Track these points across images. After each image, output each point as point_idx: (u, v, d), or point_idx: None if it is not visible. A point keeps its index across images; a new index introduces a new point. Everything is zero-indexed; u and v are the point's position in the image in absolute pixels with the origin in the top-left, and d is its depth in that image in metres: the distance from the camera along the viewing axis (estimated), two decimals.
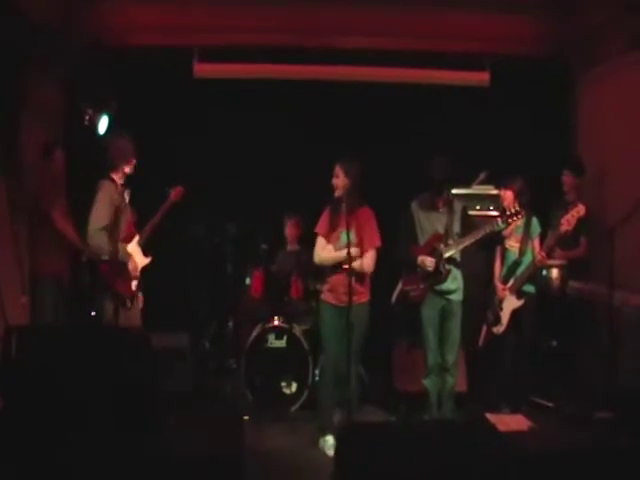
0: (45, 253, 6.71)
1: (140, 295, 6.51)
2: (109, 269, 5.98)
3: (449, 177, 6.36)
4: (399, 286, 6.66)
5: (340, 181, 6.14)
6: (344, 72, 8.41)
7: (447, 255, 6.29)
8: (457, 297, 6.42)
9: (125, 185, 6.36)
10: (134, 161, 6.32)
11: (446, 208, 6.42)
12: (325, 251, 6.28)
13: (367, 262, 6.21)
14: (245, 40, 8.21)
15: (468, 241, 6.27)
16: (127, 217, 6.32)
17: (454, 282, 6.39)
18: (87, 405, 3.78)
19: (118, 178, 6.25)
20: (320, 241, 6.33)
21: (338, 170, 6.16)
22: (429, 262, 6.29)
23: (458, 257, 6.39)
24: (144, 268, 6.46)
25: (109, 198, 6.06)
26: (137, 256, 6.37)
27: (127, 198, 6.38)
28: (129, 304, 6.18)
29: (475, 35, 8.25)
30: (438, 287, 6.35)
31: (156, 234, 6.63)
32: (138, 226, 6.55)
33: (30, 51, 6.90)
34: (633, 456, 3.74)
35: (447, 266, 6.30)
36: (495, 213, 7.34)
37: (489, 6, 8.10)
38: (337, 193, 6.15)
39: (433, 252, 6.32)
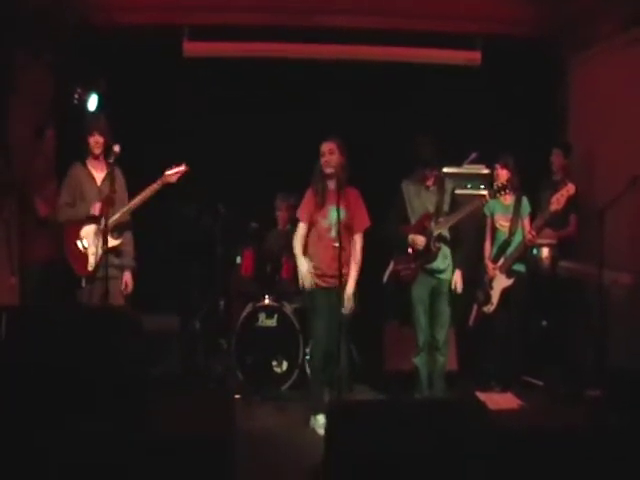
0: (33, 238, 6.70)
1: (127, 277, 6.43)
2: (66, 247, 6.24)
3: (434, 155, 6.35)
4: (390, 266, 6.66)
5: (336, 158, 6.10)
6: (334, 50, 8.36)
7: (437, 233, 6.28)
8: (447, 276, 6.41)
9: (109, 164, 6.25)
10: (91, 138, 6.26)
11: (436, 186, 6.40)
12: (300, 247, 6.28)
13: (358, 249, 6.24)
14: (235, 19, 8.16)
15: (458, 217, 6.26)
16: (100, 197, 6.24)
17: (444, 261, 6.39)
18: (76, 386, 3.78)
19: (88, 159, 6.32)
20: (301, 227, 6.32)
21: (334, 147, 6.12)
22: (420, 241, 6.29)
23: (448, 235, 6.38)
24: (113, 250, 6.26)
25: (69, 178, 6.29)
26: (101, 237, 6.18)
27: (100, 178, 6.32)
28: (83, 283, 6.19)
29: (466, 14, 8.20)
30: (429, 266, 6.36)
31: (143, 213, 6.52)
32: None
33: (18, 31, 6.85)
34: (622, 434, 3.76)
35: (437, 244, 6.30)
36: (485, 192, 7.38)
37: None
38: (329, 170, 6.09)
39: (423, 231, 6.31)
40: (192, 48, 8.22)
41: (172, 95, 8.15)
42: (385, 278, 6.73)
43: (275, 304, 7.33)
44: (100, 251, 6.18)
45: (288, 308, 7.32)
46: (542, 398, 6.46)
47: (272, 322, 7.29)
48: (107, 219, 6.10)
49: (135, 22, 8.00)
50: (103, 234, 6.07)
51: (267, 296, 7.39)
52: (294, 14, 8.13)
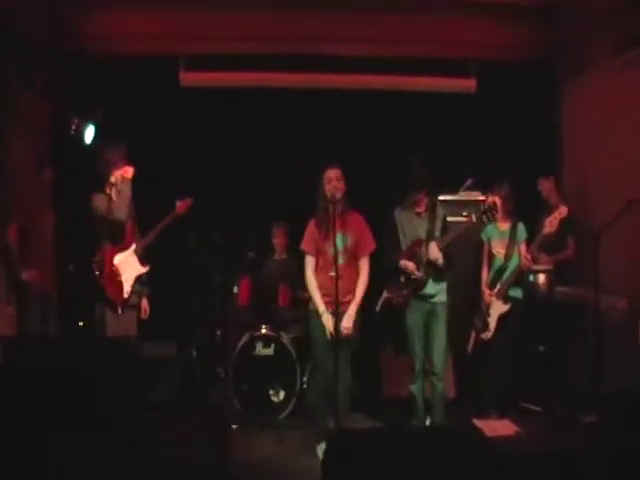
0: (30, 267, 6.70)
1: (144, 304, 6.59)
2: (101, 274, 6.23)
3: (425, 178, 6.32)
4: (383, 295, 6.67)
5: (342, 184, 6.11)
6: (331, 79, 8.41)
7: (426, 259, 6.24)
8: (441, 299, 6.37)
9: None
10: (121, 170, 6.33)
11: (428, 213, 6.37)
12: (314, 284, 6.21)
13: (365, 274, 6.24)
14: (232, 48, 8.21)
15: (446, 241, 6.19)
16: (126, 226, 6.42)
17: (436, 286, 6.34)
18: (73, 414, 3.77)
19: (109, 189, 6.32)
20: (309, 261, 6.26)
21: (340, 173, 6.11)
22: (410, 267, 6.27)
23: (440, 260, 6.23)
24: (140, 277, 6.50)
25: (95, 209, 6.27)
26: (132, 265, 6.42)
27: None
28: (120, 310, 6.26)
29: (461, 41, 8.28)
30: (420, 292, 6.34)
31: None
32: (138, 235, 6.61)
33: (16, 60, 6.90)
34: (619, 459, 3.76)
35: (427, 270, 6.27)
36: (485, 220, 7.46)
37: (474, 12, 8.13)
38: (338, 196, 6.05)
39: (414, 257, 6.30)
40: (189, 78, 8.27)
41: (169, 124, 8.19)
42: (378, 307, 6.74)
43: (272, 333, 7.32)
44: (132, 278, 6.41)
45: (285, 337, 7.31)
46: (540, 424, 6.44)
47: (269, 351, 7.27)
48: (140, 245, 6.47)
49: (132, 52, 8.05)
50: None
51: (264, 325, 7.38)
52: (290, 43, 8.19)
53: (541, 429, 5.78)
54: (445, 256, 6.25)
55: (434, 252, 6.18)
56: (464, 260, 6.91)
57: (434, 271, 6.30)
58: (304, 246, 6.31)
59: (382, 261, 6.44)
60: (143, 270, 6.53)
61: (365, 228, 6.30)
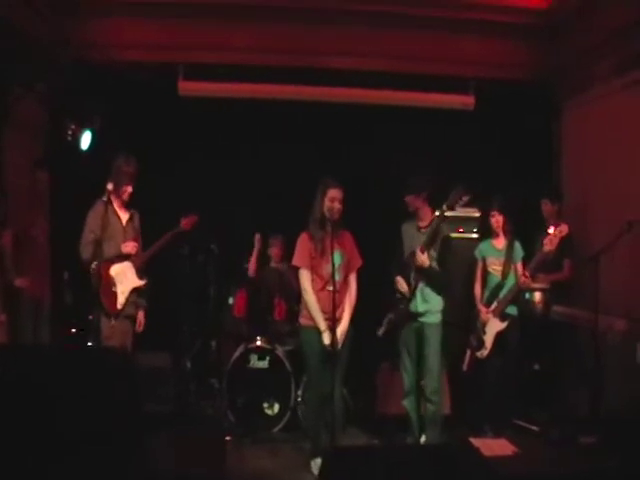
0: (23, 274, 6.67)
1: (140, 316, 6.58)
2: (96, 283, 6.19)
3: (420, 183, 6.36)
4: (387, 317, 6.61)
5: (341, 206, 6.05)
6: (330, 93, 8.41)
7: (414, 266, 6.23)
8: (430, 320, 6.34)
9: (127, 206, 6.52)
10: (128, 187, 6.40)
11: (429, 228, 6.29)
12: (315, 302, 6.10)
13: (354, 288, 6.24)
14: (231, 59, 8.22)
15: (427, 244, 6.15)
16: (125, 237, 6.42)
17: (424, 304, 6.33)
18: (67, 425, 3.73)
19: (114, 198, 6.35)
20: (305, 274, 6.16)
21: (342, 195, 6.05)
22: (401, 283, 6.34)
23: (426, 264, 6.15)
24: (136, 289, 6.48)
25: (95, 215, 6.26)
26: (129, 277, 6.42)
27: (125, 218, 6.49)
28: (113, 321, 6.24)
29: (461, 59, 8.31)
30: (410, 306, 6.32)
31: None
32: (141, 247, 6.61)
33: (15, 65, 6.88)
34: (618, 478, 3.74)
35: (416, 278, 6.25)
36: (476, 236, 7.48)
37: (475, 30, 8.18)
38: (335, 216, 6.00)
39: (407, 269, 6.32)
40: (187, 87, 8.25)
41: (166, 132, 8.17)
42: (381, 332, 6.64)
43: (267, 346, 7.29)
44: (128, 290, 6.40)
45: (280, 350, 7.28)
46: (536, 443, 6.39)
47: (264, 364, 7.24)
48: (139, 258, 6.47)
49: (130, 59, 8.03)
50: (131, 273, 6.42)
51: (259, 338, 7.35)
52: (289, 56, 8.21)
53: (538, 449, 5.73)
54: (441, 256, 6.26)
55: (419, 257, 6.16)
56: (457, 278, 6.88)
57: (425, 277, 6.26)
58: (298, 262, 6.22)
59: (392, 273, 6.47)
60: (140, 283, 6.51)
61: (355, 246, 6.30)
